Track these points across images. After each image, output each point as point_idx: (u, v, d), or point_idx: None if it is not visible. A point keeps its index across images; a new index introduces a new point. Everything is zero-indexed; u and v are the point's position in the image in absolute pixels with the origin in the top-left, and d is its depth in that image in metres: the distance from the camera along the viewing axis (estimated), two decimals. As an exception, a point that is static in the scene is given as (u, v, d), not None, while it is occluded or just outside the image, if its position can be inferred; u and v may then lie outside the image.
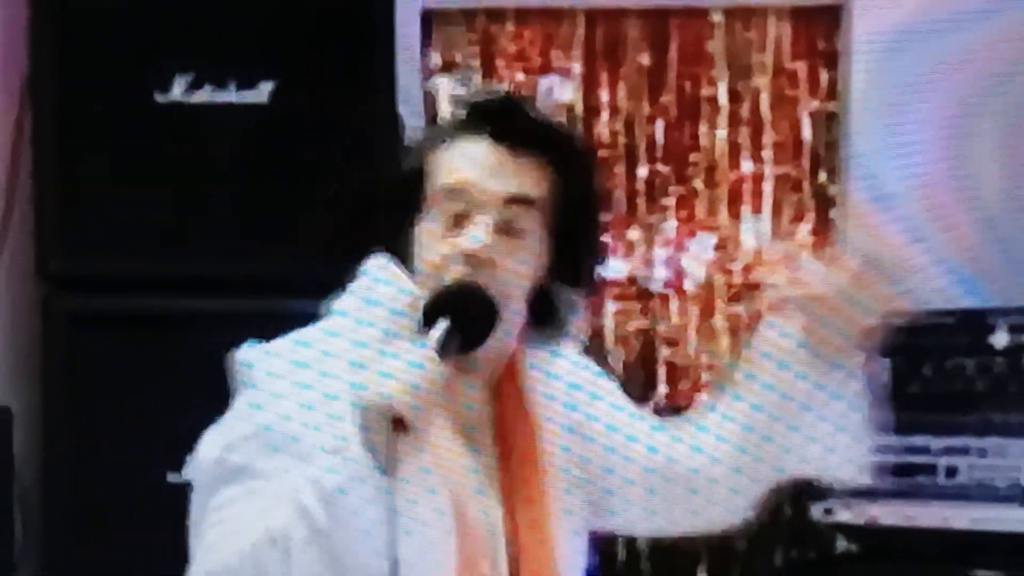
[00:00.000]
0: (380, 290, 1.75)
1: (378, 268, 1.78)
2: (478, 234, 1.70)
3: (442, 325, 1.64)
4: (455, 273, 1.71)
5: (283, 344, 1.79)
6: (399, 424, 1.58)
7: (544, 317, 1.81)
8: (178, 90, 3.10)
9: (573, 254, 1.79)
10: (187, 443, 2.98)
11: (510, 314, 1.74)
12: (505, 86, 1.70)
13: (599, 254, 1.88)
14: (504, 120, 1.75)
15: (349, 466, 1.58)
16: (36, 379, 3.12)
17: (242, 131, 3.11)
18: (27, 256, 3.17)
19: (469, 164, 1.73)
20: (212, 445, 1.75)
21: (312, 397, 1.67)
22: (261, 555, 1.60)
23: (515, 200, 1.72)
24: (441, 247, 1.72)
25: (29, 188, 3.18)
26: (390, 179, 1.81)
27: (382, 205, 1.81)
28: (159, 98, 3.09)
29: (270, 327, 2.82)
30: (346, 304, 1.81)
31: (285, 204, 3.11)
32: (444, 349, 1.62)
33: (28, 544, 3.11)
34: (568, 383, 1.86)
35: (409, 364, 1.59)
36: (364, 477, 1.57)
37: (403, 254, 1.77)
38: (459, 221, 1.72)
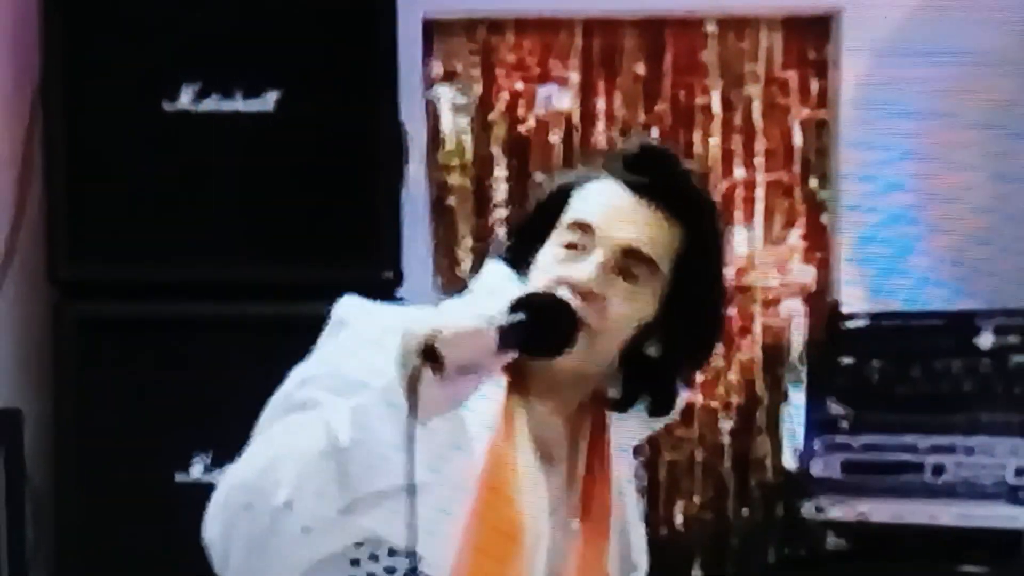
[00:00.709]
0: (494, 288, 1.73)
1: (497, 272, 1.76)
2: (589, 267, 1.68)
3: (518, 316, 1.62)
4: (561, 295, 1.69)
5: (385, 306, 1.76)
6: (435, 364, 1.54)
7: (634, 385, 1.76)
8: (185, 99, 3.11)
9: (685, 325, 1.73)
10: (196, 444, 3.01)
11: (599, 351, 1.70)
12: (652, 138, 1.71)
13: (710, 346, 1.81)
14: (650, 171, 1.71)
15: (377, 392, 1.56)
16: (47, 383, 3.12)
17: (248, 139, 3.12)
18: (38, 262, 3.18)
19: (600, 205, 1.71)
20: (289, 380, 1.70)
21: (391, 354, 1.61)
22: (276, 466, 1.57)
23: (633, 253, 1.69)
24: (553, 271, 1.70)
25: (40, 195, 3.18)
26: (534, 205, 1.79)
27: (518, 229, 1.80)
28: (167, 107, 3.10)
29: (277, 332, 2.85)
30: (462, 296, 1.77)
31: (290, 210, 3.11)
32: (506, 335, 1.59)
33: (40, 545, 3.11)
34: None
35: (468, 316, 1.57)
36: (391, 402, 1.54)
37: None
38: (572, 247, 1.71)
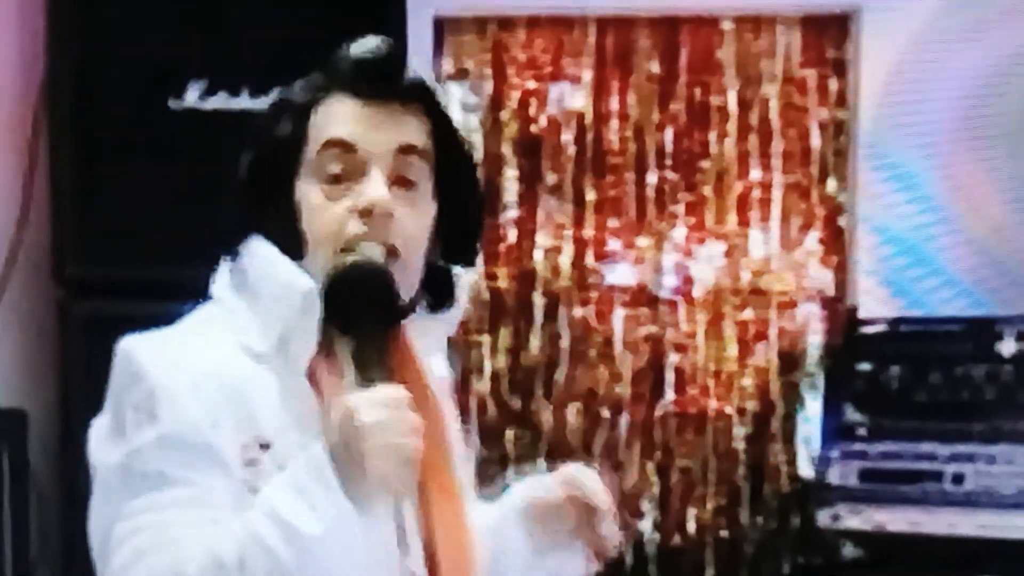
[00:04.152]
0: (265, 280, 1.71)
1: (260, 255, 1.73)
2: (376, 186, 1.66)
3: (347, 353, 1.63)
4: (352, 231, 1.66)
5: (168, 334, 1.76)
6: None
7: (433, 293, 1.76)
8: (192, 96, 3.15)
9: (457, 220, 1.75)
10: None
11: (412, 273, 1.71)
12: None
13: (481, 221, 1.82)
14: (380, 77, 1.71)
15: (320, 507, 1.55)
16: (53, 383, 3.16)
17: None
18: (44, 261, 3.21)
19: (351, 120, 1.68)
20: (111, 449, 1.71)
21: (208, 391, 1.64)
22: None
23: (405, 149, 1.69)
24: (333, 208, 1.66)
25: (45, 193, 3.23)
26: (259, 149, 1.74)
27: (251, 180, 1.75)
28: (173, 104, 3.14)
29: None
30: (225, 290, 1.78)
31: None
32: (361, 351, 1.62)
33: (45, 546, 3.15)
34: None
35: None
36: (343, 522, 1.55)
37: (280, 231, 1.70)
38: (345, 179, 1.68)
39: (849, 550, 3.40)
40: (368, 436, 1.54)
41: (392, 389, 1.59)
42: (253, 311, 1.72)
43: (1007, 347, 3.36)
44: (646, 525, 3.80)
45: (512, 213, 3.83)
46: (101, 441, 1.76)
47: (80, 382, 3.10)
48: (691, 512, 3.78)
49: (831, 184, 3.83)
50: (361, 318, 1.65)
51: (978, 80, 3.74)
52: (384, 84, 1.71)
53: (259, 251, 1.73)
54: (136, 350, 1.73)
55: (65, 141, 3.17)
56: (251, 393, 1.66)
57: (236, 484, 1.63)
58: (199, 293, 3.06)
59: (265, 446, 1.64)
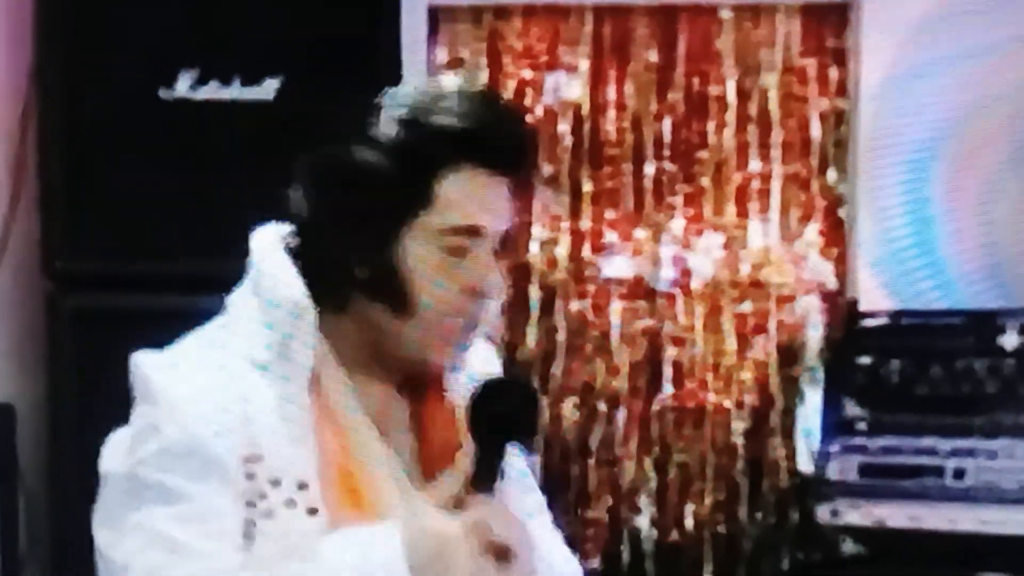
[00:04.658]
0: (281, 292, 1.74)
1: (273, 262, 1.76)
2: (495, 274, 1.73)
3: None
4: (469, 312, 1.73)
5: (181, 349, 1.80)
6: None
7: None
8: (183, 86, 3.14)
9: None
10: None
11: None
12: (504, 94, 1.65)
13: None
14: (518, 154, 1.75)
15: None
16: (41, 377, 3.16)
17: (247, 128, 3.14)
18: (32, 254, 3.21)
19: (483, 204, 1.72)
20: (119, 457, 1.74)
21: (211, 403, 1.67)
22: None
23: (506, 234, 1.76)
24: (450, 285, 1.72)
25: (34, 185, 3.22)
26: (368, 195, 1.71)
27: (352, 223, 1.72)
28: (163, 94, 3.13)
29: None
30: (237, 296, 1.81)
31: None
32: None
33: (33, 542, 3.15)
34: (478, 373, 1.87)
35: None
36: None
37: (384, 286, 1.73)
38: (460, 252, 1.72)
39: (849, 546, 3.41)
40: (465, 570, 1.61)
41: (515, 537, 1.65)
42: (258, 319, 1.74)
43: (1009, 340, 3.36)
44: (643, 521, 3.80)
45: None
46: (114, 450, 1.79)
47: (69, 376, 3.12)
48: (689, 508, 3.78)
49: (831, 175, 3.83)
50: (505, 431, 1.71)
51: (979, 69, 3.73)
52: (518, 162, 1.75)
53: (263, 259, 1.78)
54: (143, 364, 1.78)
55: (54, 132, 3.16)
56: (250, 404, 1.69)
57: (237, 497, 1.66)
58: (188, 286, 3.10)
59: (258, 458, 1.67)
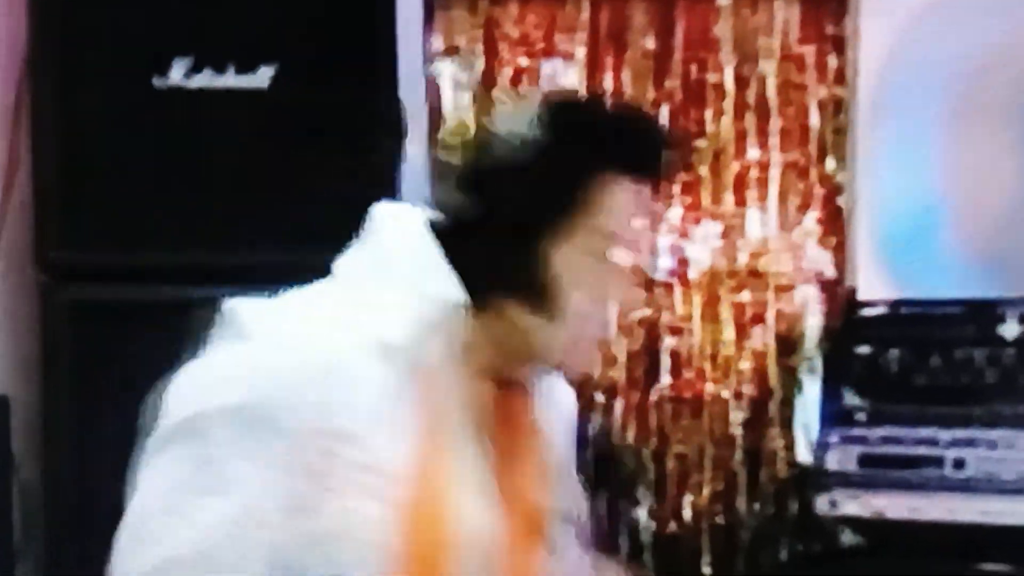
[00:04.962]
0: (434, 287, 1.74)
1: (425, 254, 1.76)
2: (638, 291, 1.81)
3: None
4: (603, 320, 1.79)
5: (294, 309, 1.79)
6: None
7: None
8: (177, 74, 3.13)
9: None
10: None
11: None
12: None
13: None
14: (666, 165, 1.80)
15: None
16: (36, 369, 3.16)
17: (241, 116, 3.15)
18: (26, 245, 3.21)
19: (634, 215, 1.77)
20: (227, 389, 1.71)
21: (314, 376, 1.67)
22: None
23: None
24: (595, 287, 1.75)
25: (27, 175, 3.21)
26: (520, 195, 1.74)
27: (521, 213, 1.75)
28: (157, 83, 3.13)
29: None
30: (358, 273, 1.80)
31: (285, 191, 3.14)
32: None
33: (28, 534, 3.15)
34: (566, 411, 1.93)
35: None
36: None
37: (530, 287, 1.75)
38: (606, 259, 1.76)
39: (848, 536, 3.41)
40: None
41: None
42: (390, 301, 1.73)
43: (1009, 330, 3.36)
44: (641, 512, 3.80)
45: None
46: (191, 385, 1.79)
47: (63, 368, 3.12)
48: (687, 499, 3.79)
49: (830, 163, 3.83)
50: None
51: (979, 57, 3.73)
52: (664, 173, 1.80)
53: (412, 247, 1.76)
54: (241, 310, 1.78)
55: (47, 122, 3.15)
56: (355, 383, 1.68)
57: (295, 469, 1.65)
58: (184, 277, 3.11)
59: (346, 437, 1.67)
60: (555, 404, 1.89)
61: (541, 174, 1.73)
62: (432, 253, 1.75)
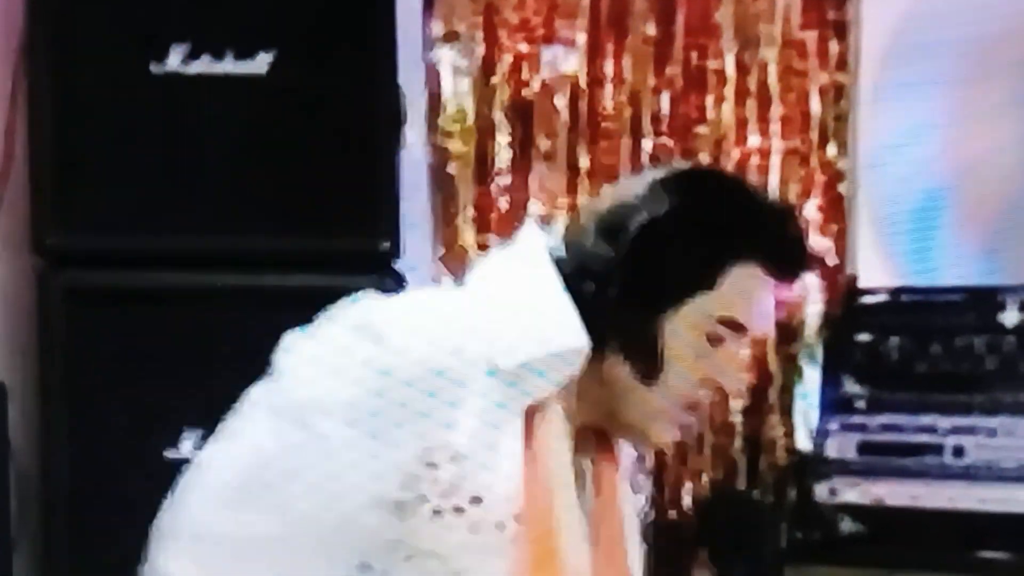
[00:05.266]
0: (567, 341, 1.74)
1: (559, 304, 1.75)
2: (741, 378, 1.81)
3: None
4: (699, 400, 1.78)
5: (412, 299, 1.82)
6: None
7: None
8: (174, 60, 3.13)
9: None
10: (186, 420, 3.07)
11: None
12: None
13: None
14: (801, 264, 1.82)
15: None
16: (32, 355, 3.16)
17: (240, 103, 3.15)
18: (22, 231, 3.20)
19: (752, 302, 1.77)
20: (346, 381, 1.70)
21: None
22: None
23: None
24: (700, 367, 1.76)
25: (24, 160, 3.21)
26: (677, 261, 1.76)
27: (653, 280, 1.77)
28: (154, 68, 3.13)
29: (269, 303, 2.92)
30: (490, 289, 1.79)
31: (283, 178, 3.14)
32: None
33: (25, 520, 3.16)
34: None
35: None
36: None
37: (640, 348, 1.76)
38: (718, 342, 1.77)
39: (847, 524, 3.42)
40: None
41: None
42: (510, 323, 1.74)
43: (1009, 317, 3.37)
44: (641, 499, 3.81)
45: (504, 180, 3.83)
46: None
47: (60, 353, 3.12)
48: (687, 486, 3.79)
49: (831, 150, 3.83)
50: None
51: (980, 43, 3.73)
52: (798, 270, 1.81)
53: (546, 294, 1.76)
54: (372, 304, 1.76)
55: (44, 107, 3.15)
56: (463, 399, 1.69)
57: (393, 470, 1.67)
58: (180, 263, 3.11)
59: (455, 458, 1.69)
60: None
61: (684, 247, 1.75)
62: (557, 295, 1.75)
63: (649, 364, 1.75)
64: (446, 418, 1.68)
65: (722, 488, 1.80)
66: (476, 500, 1.69)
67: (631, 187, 1.80)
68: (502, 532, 1.71)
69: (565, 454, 1.76)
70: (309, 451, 1.67)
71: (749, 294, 1.76)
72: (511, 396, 1.71)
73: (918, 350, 3.42)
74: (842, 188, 3.83)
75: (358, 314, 1.73)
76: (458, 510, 1.69)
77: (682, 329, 1.75)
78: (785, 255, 1.77)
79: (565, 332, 1.73)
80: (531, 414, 1.73)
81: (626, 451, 1.91)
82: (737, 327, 1.76)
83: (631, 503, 1.93)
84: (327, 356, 1.71)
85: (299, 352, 1.73)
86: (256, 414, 1.73)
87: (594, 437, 1.83)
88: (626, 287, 1.74)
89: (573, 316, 1.73)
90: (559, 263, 1.77)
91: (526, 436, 1.72)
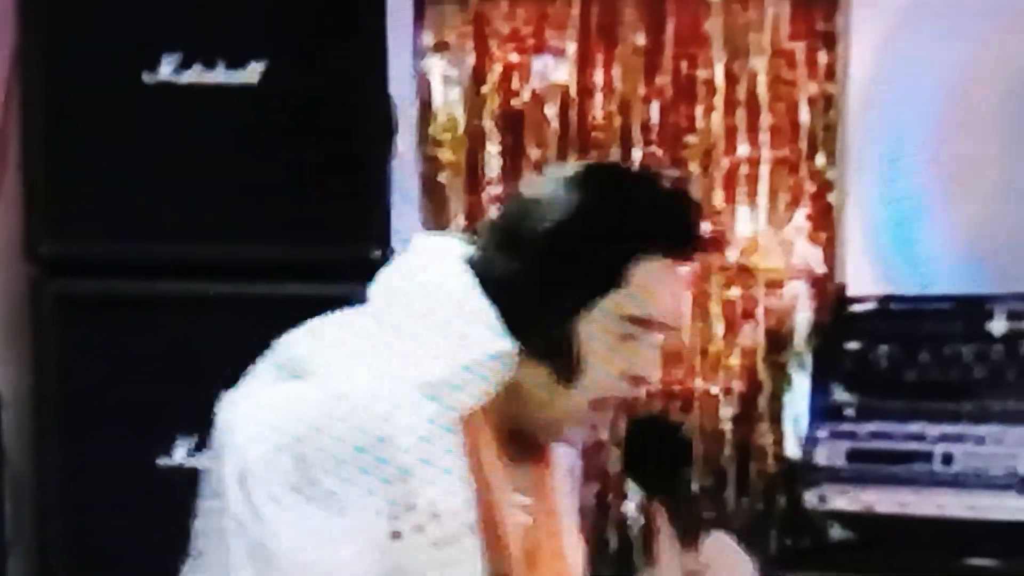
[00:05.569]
0: (487, 341, 1.74)
1: (477, 304, 1.76)
2: (656, 366, 1.79)
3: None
4: (618, 396, 1.78)
5: (336, 336, 1.79)
6: None
7: None
8: (166, 70, 3.14)
9: None
10: (179, 428, 3.08)
11: None
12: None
13: None
14: (695, 240, 1.80)
15: None
16: (26, 363, 3.17)
17: (231, 112, 3.16)
18: (16, 239, 3.21)
19: (661, 296, 1.76)
20: (277, 440, 1.69)
21: (391, 401, 1.70)
22: None
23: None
24: (616, 364, 1.76)
25: (17, 169, 3.23)
26: (581, 262, 1.76)
27: (560, 282, 1.76)
28: (146, 78, 3.14)
29: (261, 311, 2.93)
30: (390, 307, 1.80)
31: (275, 186, 3.15)
32: None
33: (19, 527, 3.17)
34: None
35: None
36: None
37: (555, 352, 1.76)
38: (632, 338, 1.77)
39: (837, 531, 3.43)
40: None
41: None
42: (425, 339, 1.74)
43: (997, 326, 3.38)
44: (630, 506, 3.82)
45: (494, 189, 3.84)
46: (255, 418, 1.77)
47: (53, 361, 3.13)
48: (678, 493, 3.80)
49: (820, 160, 3.84)
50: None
51: (969, 53, 3.74)
52: (697, 252, 1.80)
53: (463, 295, 1.76)
54: (295, 345, 1.77)
55: (37, 116, 3.17)
56: (398, 424, 1.69)
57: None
58: (173, 271, 3.12)
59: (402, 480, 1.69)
60: (560, 468, 1.92)
61: (587, 247, 1.75)
62: (477, 300, 1.76)
63: (567, 365, 1.75)
64: (397, 443, 1.69)
65: (640, 415, 1.79)
66: (434, 516, 1.70)
67: (535, 189, 1.81)
68: (461, 544, 1.71)
69: (494, 462, 1.76)
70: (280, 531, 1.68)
71: (660, 284, 1.76)
72: (439, 412, 1.71)
73: (907, 358, 3.43)
74: (831, 197, 3.83)
75: (290, 360, 1.75)
76: (418, 529, 1.70)
77: (596, 329, 1.75)
78: (684, 240, 1.77)
79: (488, 338, 1.74)
80: (467, 425, 1.73)
81: (563, 450, 1.92)
82: (651, 322, 1.76)
83: (570, 501, 1.93)
84: (265, 413, 1.72)
85: (233, 415, 1.75)
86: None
87: (526, 440, 1.83)
88: (537, 291, 1.75)
89: (494, 320, 1.74)
90: (474, 269, 1.78)
91: (469, 447, 1.73)
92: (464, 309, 1.75)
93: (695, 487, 3.81)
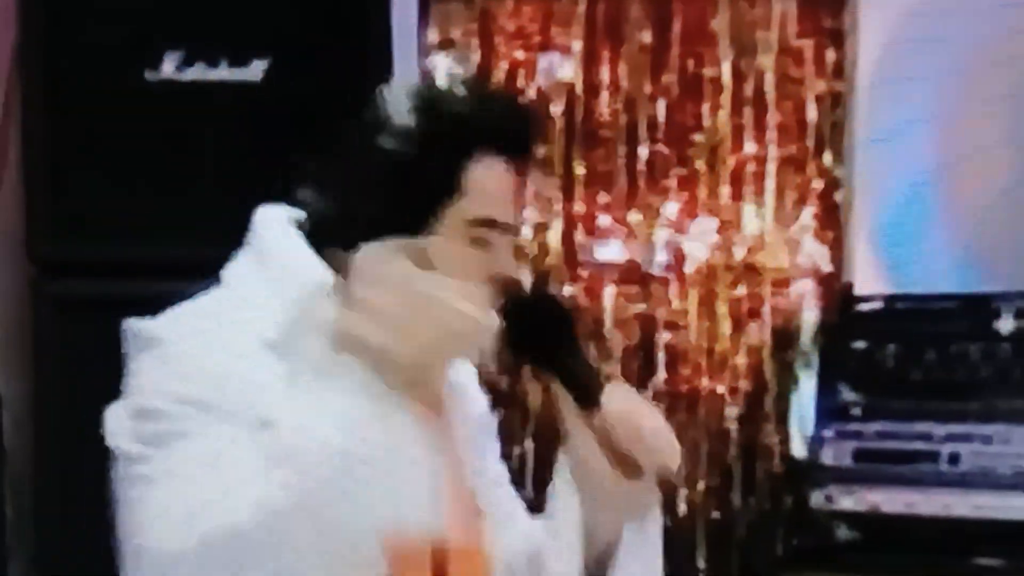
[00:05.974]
0: (305, 273, 1.76)
1: (293, 245, 1.79)
2: (512, 266, 1.78)
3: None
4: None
5: (182, 311, 1.85)
6: None
7: None
8: (169, 67, 3.15)
9: None
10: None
11: None
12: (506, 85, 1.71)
13: None
14: (526, 140, 1.81)
15: None
16: (26, 364, 3.18)
17: (234, 110, 3.16)
18: (16, 239, 3.22)
19: (499, 195, 1.78)
20: (125, 412, 1.81)
21: (227, 365, 1.71)
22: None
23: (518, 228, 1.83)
24: (468, 267, 1.75)
25: (17, 169, 3.24)
26: (398, 184, 1.74)
27: (394, 202, 1.74)
28: (149, 76, 3.14)
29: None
30: (238, 276, 1.84)
31: (278, 186, 3.17)
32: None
33: (20, 528, 3.17)
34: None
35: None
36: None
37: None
38: (484, 243, 1.77)
39: (843, 531, 3.43)
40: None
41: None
42: (268, 297, 1.76)
43: (1005, 324, 3.38)
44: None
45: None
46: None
47: (54, 362, 3.13)
48: (682, 493, 3.79)
49: (827, 158, 3.84)
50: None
51: (978, 51, 3.74)
52: (528, 149, 1.81)
53: (280, 242, 1.81)
54: (149, 326, 1.85)
55: (38, 114, 3.17)
56: (255, 378, 1.70)
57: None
58: (174, 272, 3.11)
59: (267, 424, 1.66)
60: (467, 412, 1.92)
61: (416, 162, 1.74)
62: (300, 245, 1.78)
63: None
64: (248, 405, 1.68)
65: (516, 295, 1.78)
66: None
67: (365, 116, 1.81)
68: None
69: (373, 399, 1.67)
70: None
71: (496, 185, 1.76)
72: (298, 356, 1.70)
73: (913, 357, 3.43)
74: (838, 196, 3.83)
75: (150, 343, 1.84)
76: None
77: (446, 241, 1.74)
78: (512, 137, 1.78)
79: (304, 274, 1.75)
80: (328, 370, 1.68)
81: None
82: (496, 223, 1.76)
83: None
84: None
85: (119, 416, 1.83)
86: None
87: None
88: (381, 210, 1.73)
89: (308, 255, 1.75)
90: (303, 226, 1.79)
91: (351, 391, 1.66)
92: (289, 258, 1.78)
93: (699, 487, 3.81)
